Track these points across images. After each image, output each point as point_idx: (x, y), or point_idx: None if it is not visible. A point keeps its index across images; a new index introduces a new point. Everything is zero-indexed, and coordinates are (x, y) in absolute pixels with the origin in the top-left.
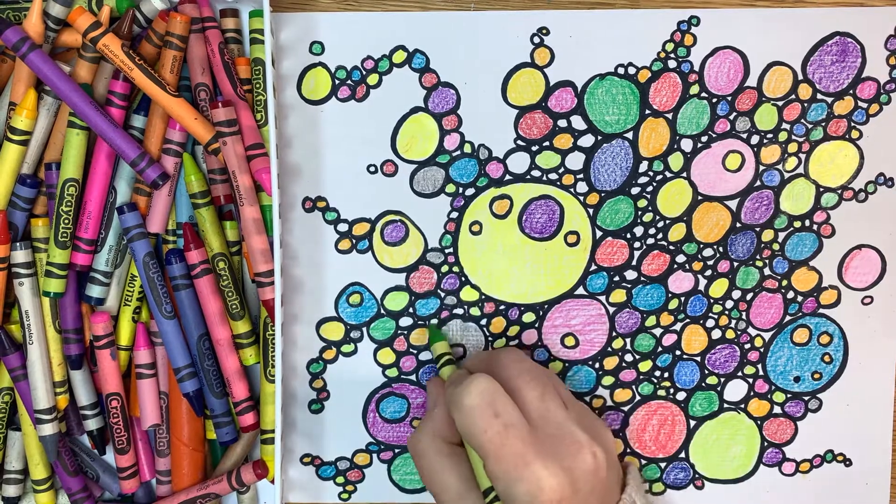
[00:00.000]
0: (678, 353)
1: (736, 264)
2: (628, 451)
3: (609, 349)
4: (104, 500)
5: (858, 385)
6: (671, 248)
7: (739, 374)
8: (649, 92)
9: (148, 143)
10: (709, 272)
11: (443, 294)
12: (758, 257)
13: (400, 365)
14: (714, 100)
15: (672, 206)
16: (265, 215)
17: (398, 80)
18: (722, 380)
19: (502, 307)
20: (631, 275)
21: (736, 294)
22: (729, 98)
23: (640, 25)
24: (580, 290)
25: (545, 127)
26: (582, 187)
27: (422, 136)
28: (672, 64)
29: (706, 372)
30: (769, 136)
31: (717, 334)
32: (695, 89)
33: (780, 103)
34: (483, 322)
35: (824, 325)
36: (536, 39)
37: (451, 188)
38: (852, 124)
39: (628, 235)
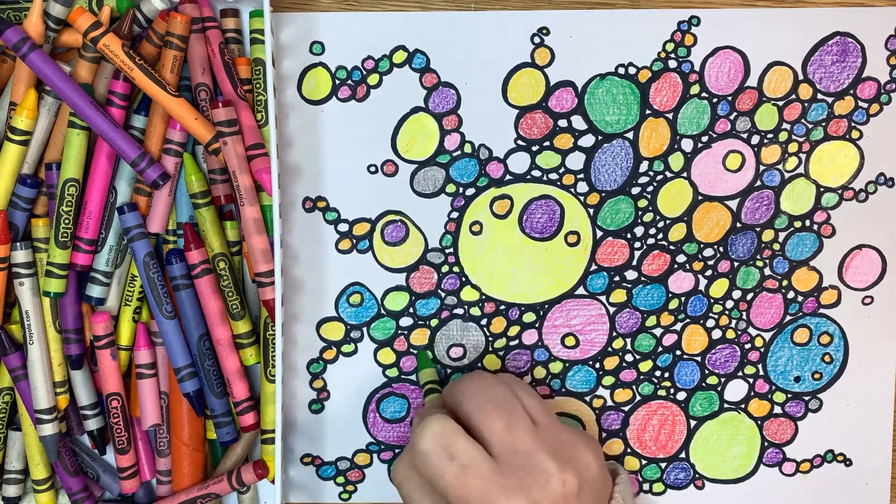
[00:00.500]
0: (678, 353)
1: (736, 264)
2: (628, 451)
3: (609, 349)
4: (104, 500)
5: (858, 385)
6: (671, 248)
7: (740, 374)
8: (650, 92)
9: (148, 143)
10: (709, 272)
11: (443, 294)
12: (758, 257)
13: (400, 365)
14: (714, 100)
15: (672, 206)
16: (265, 215)
17: (398, 80)
18: (722, 380)
19: (502, 307)
20: (631, 275)
21: (736, 294)
22: (729, 98)
23: (640, 25)
24: (580, 290)
25: (545, 127)
26: (582, 187)
27: (422, 136)
28: (672, 64)
29: (706, 372)
30: (769, 136)
31: (717, 334)
32: (695, 89)
33: (780, 103)
34: (483, 322)
35: (824, 325)
36: (537, 39)
37: (451, 188)
38: (853, 124)
39: (629, 235)
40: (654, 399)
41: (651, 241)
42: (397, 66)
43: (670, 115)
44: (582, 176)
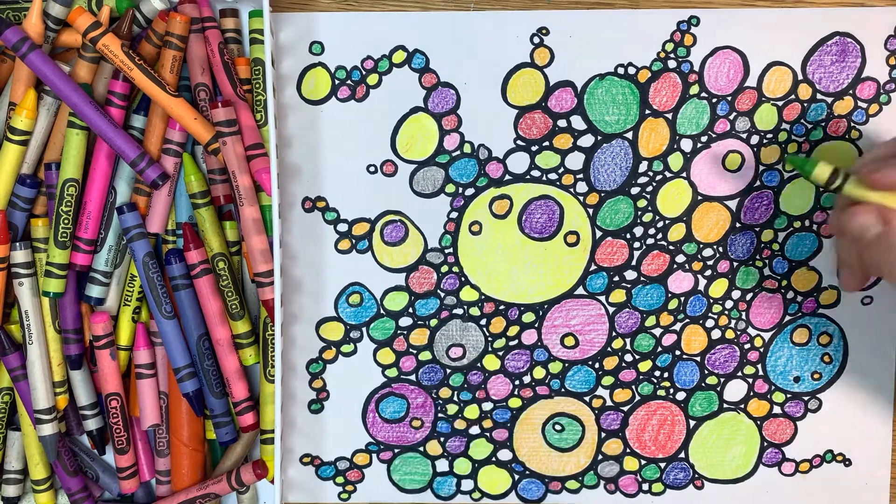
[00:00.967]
0: (678, 353)
1: (736, 264)
2: (628, 451)
3: (609, 349)
4: (104, 499)
5: (858, 385)
6: (671, 248)
7: (739, 374)
8: (649, 92)
9: (148, 143)
10: (708, 272)
11: (442, 294)
12: (757, 257)
13: (399, 365)
14: (714, 100)
15: (672, 206)
16: (265, 215)
17: (398, 80)
18: (722, 380)
19: (502, 307)
20: (631, 275)
21: (736, 294)
22: (729, 98)
23: (640, 25)
24: (580, 290)
25: (545, 127)
26: (582, 187)
27: (421, 136)
28: (672, 64)
29: (706, 372)
30: (769, 136)
31: (716, 334)
32: (695, 89)
33: (779, 103)
34: (483, 322)
35: (824, 326)
36: (536, 39)
37: (450, 188)
38: (852, 124)
39: (628, 235)
40: (653, 399)
41: (650, 241)
42: (397, 67)
43: (670, 115)
44: (581, 176)
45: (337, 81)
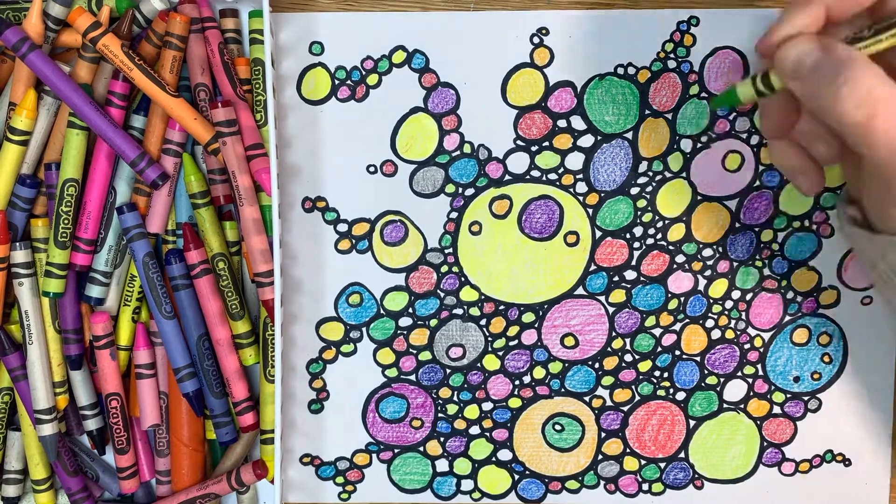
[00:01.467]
0: (678, 353)
1: (735, 264)
2: (628, 450)
3: (609, 349)
4: (104, 500)
5: (858, 385)
6: (671, 248)
7: (739, 374)
8: (649, 92)
9: (147, 143)
10: (708, 272)
11: (442, 294)
12: (757, 257)
13: (399, 365)
14: None
15: (671, 206)
16: (265, 215)
17: (398, 81)
18: (721, 380)
19: (502, 307)
20: (630, 275)
21: (735, 294)
22: None
23: (639, 25)
24: (580, 291)
25: (545, 127)
26: (581, 187)
27: (421, 136)
28: (672, 64)
29: (706, 372)
30: None
31: (716, 334)
32: (694, 89)
33: None
34: (483, 322)
35: (824, 326)
36: (536, 39)
37: (450, 188)
38: None
39: (628, 235)
40: (653, 399)
41: (650, 241)
42: (396, 67)
43: (669, 116)
44: (581, 176)
45: (337, 81)
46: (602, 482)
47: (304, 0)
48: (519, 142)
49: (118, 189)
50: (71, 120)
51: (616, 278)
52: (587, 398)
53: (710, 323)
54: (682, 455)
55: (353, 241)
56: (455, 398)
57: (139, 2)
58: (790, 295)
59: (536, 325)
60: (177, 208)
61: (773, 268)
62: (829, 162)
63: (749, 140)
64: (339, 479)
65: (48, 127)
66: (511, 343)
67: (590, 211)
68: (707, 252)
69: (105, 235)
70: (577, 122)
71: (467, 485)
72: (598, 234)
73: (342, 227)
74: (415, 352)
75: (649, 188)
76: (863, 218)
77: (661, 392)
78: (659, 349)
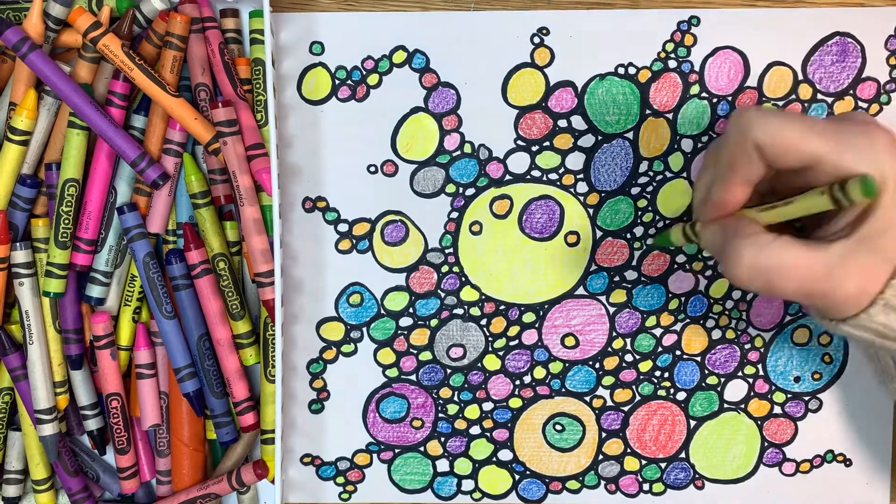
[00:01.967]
0: (678, 353)
1: None
2: (628, 451)
3: (609, 349)
4: (104, 500)
5: (858, 385)
6: (671, 248)
7: (739, 374)
8: (649, 92)
9: (148, 143)
10: (709, 272)
11: (443, 294)
12: None
13: (400, 365)
14: (714, 100)
15: (672, 205)
16: (265, 215)
17: (398, 80)
18: (722, 380)
19: (502, 307)
20: (631, 275)
21: (736, 294)
22: (729, 98)
23: (640, 25)
24: (580, 291)
25: (545, 127)
26: (582, 187)
27: (422, 136)
28: (672, 64)
29: (706, 372)
30: None
31: (717, 334)
32: (695, 89)
33: (780, 103)
34: (483, 322)
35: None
36: (536, 39)
37: (451, 188)
38: None
39: (628, 235)
40: (653, 399)
41: (651, 241)
42: (397, 67)
43: (670, 115)
44: (582, 176)
45: (337, 81)
46: (603, 482)
47: (305, 0)
48: (519, 142)
49: (119, 189)
50: (71, 120)
51: (617, 278)
52: (588, 398)
53: (710, 323)
54: (682, 455)
55: (354, 241)
56: (455, 398)
57: (139, 2)
58: None
59: (537, 325)
60: (177, 208)
61: None
62: None
63: None
64: (340, 479)
65: (49, 127)
66: (511, 343)
67: (590, 211)
68: (708, 252)
69: (105, 235)
70: (578, 122)
71: (468, 485)
72: (599, 233)
73: (343, 227)
74: (415, 352)
75: (650, 188)
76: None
77: (661, 392)
78: (659, 349)
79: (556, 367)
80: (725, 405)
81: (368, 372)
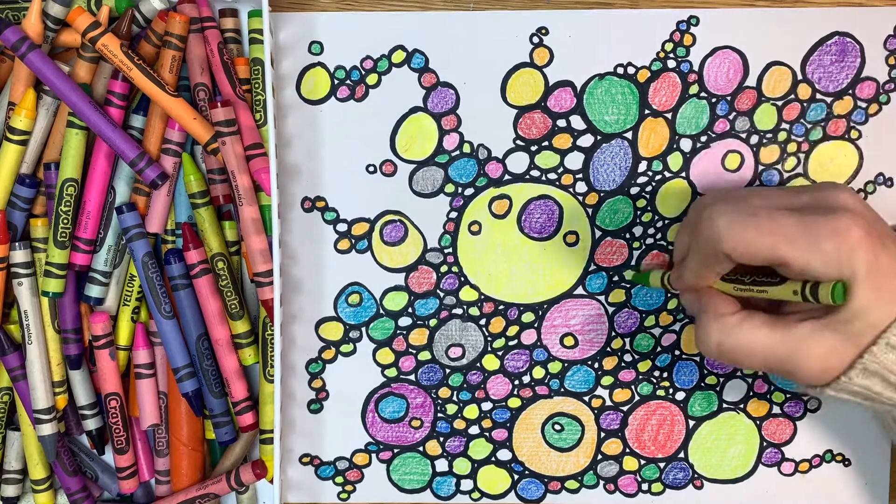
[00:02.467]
0: (677, 352)
1: None
2: (627, 450)
3: (608, 349)
4: (103, 499)
5: None
6: (670, 247)
7: (738, 373)
8: (649, 92)
9: (147, 142)
10: None
11: (442, 294)
12: None
13: (399, 365)
14: (713, 100)
15: (671, 205)
16: (264, 215)
17: (397, 80)
18: (721, 380)
19: (501, 307)
20: (630, 275)
21: None
22: (728, 98)
23: (639, 25)
24: (579, 290)
25: (544, 127)
26: (581, 187)
27: (421, 135)
28: (671, 64)
29: (705, 372)
30: (768, 135)
31: None
32: (694, 89)
33: (779, 103)
34: (482, 322)
35: None
36: (536, 39)
37: (450, 188)
38: (851, 124)
39: (627, 235)
40: (652, 399)
41: (650, 240)
42: (396, 66)
43: (669, 115)
44: (581, 176)
45: (336, 81)
46: (601, 482)
47: (304, 0)
48: (518, 141)
49: (117, 189)
50: (70, 120)
51: (616, 278)
52: (587, 398)
53: None
54: (681, 455)
55: (353, 240)
56: (454, 398)
57: (138, 1)
58: None
59: (536, 325)
60: (176, 208)
61: None
62: None
63: (749, 140)
64: (339, 479)
65: (47, 127)
66: (510, 343)
67: (589, 211)
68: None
69: (104, 235)
70: (577, 122)
71: (467, 485)
72: (598, 233)
73: (342, 227)
74: (414, 352)
75: (649, 188)
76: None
77: (660, 392)
78: (658, 349)
79: (555, 367)
80: (724, 405)
81: (367, 372)
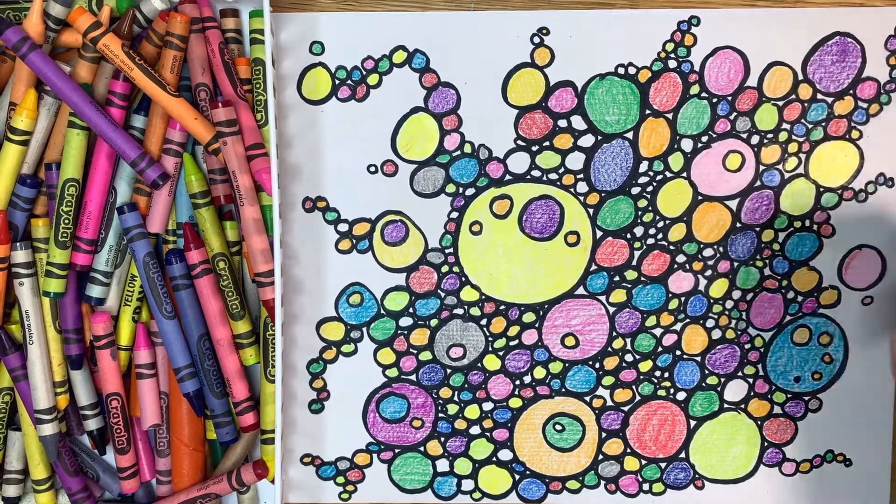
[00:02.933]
0: (678, 353)
1: (736, 264)
2: (628, 451)
3: (609, 349)
4: (104, 500)
5: (858, 385)
6: (671, 248)
7: (739, 374)
8: (649, 92)
9: (148, 143)
10: (709, 272)
11: (443, 294)
12: (758, 257)
13: (400, 365)
14: (714, 100)
15: (672, 206)
16: (265, 215)
17: (398, 80)
18: (722, 380)
19: (502, 307)
20: (631, 275)
21: (736, 294)
22: (729, 98)
23: (640, 25)
24: (580, 290)
25: (545, 127)
26: (582, 187)
27: (422, 136)
28: (672, 64)
29: (706, 372)
30: (769, 136)
31: (717, 334)
32: (695, 89)
33: (780, 103)
34: (483, 322)
35: (824, 326)
36: (536, 39)
37: (451, 188)
38: (852, 124)
39: (628, 235)
40: (653, 399)
41: (651, 241)
42: (397, 66)
43: (670, 115)
44: (582, 176)
45: (337, 81)
46: (602, 482)
47: (305, 0)
48: (519, 142)
49: (119, 189)
50: (71, 120)
51: (617, 278)
52: (588, 398)
53: (710, 323)
54: (682, 455)
55: (354, 240)
56: (455, 398)
57: (140, 1)
58: (791, 295)
59: (537, 325)
60: (177, 208)
61: (773, 267)
62: None
63: (749, 140)
64: (340, 479)
65: (48, 127)
66: (511, 343)
67: (590, 211)
68: (708, 252)
69: (105, 235)
70: (578, 122)
71: (468, 485)
72: (599, 233)
73: (343, 227)
74: (415, 352)
75: (650, 188)
76: None
77: (661, 392)
78: (659, 349)
79: (556, 367)
80: (725, 405)
81: (368, 372)
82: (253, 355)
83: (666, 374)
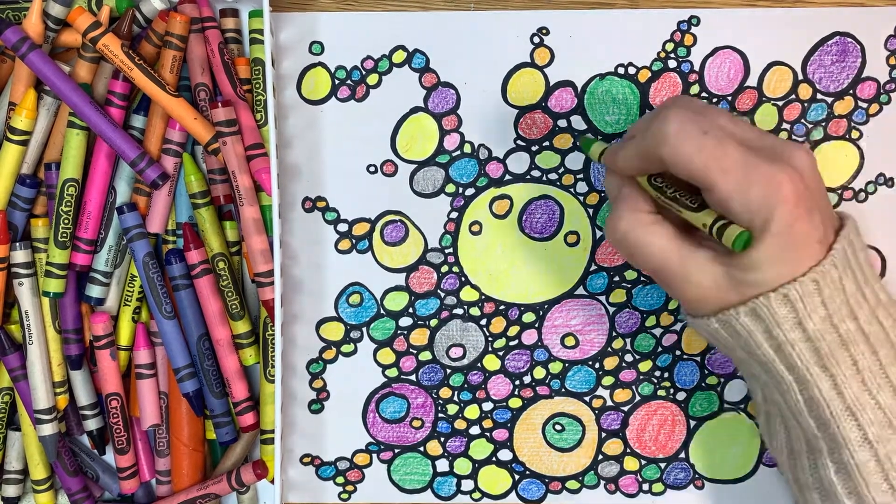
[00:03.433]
0: (678, 353)
1: None
2: (628, 451)
3: (609, 349)
4: (104, 500)
5: None
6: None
7: (740, 374)
8: (649, 92)
9: (148, 143)
10: None
11: (443, 294)
12: None
13: (400, 365)
14: (714, 100)
15: None
16: (265, 215)
17: (398, 80)
18: (722, 380)
19: (502, 307)
20: (631, 275)
21: None
22: (729, 98)
23: (640, 25)
24: (580, 290)
25: (545, 127)
26: (582, 187)
27: (422, 136)
28: (672, 64)
29: (706, 372)
30: None
31: None
32: (695, 89)
33: (780, 103)
34: (483, 322)
35: None
36: (536, 39)
37: (450, 188)
38: (852, 124)
39: None
40: (653, 399)
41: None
42: (397, 66)
43: None
44: (581, 176)
45: (337, 81)
46: (602, 482)
47: (305, 0)
48: (519, 141)
49: (118, 189)
50: (71, 120)
51: (616, 278)
52: (587, 398)
53: None
54: (682, 455)
55: (354, 240)
56: (455, 398)
57: (139, 1)
58: None
59: (537, 325)
60: (177, 208)
61: None
62: None
63: None
64: (340, 479)
65: (48, 127)
66: (511, 343)
67: (590, 211)
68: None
69: (105, 235)
70: (578, 122)
71: (467, 485)
72: (599, 233)
73: (342, 227)
74: (415, 352)
75: None
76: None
77: (661, 392)
78: (659, 349)
79: (555, 367)
80: (725, 405)
81: (368, 372)
82: (252, 355)
83: (666, 375)
